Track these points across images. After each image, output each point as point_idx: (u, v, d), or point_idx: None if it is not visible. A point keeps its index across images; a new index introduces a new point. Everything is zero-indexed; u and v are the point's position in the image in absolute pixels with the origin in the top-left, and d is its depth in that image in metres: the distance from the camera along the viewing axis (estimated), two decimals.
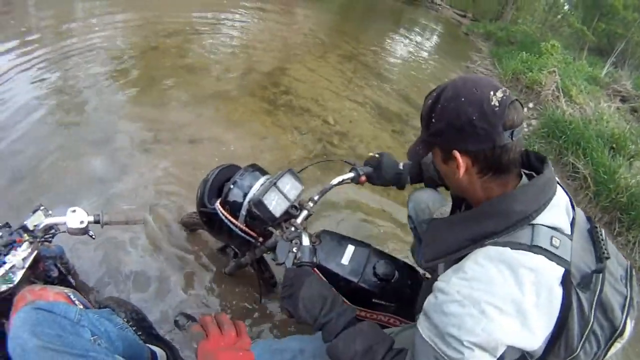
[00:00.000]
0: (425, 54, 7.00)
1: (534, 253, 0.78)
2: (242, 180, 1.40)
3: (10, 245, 1.21)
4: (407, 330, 1.28)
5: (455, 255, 0.86)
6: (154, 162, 2.56)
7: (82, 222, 1.11)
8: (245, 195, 1.38)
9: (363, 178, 1.52)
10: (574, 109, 4.89)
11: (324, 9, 8.10)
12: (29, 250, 1.20)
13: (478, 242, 0.83)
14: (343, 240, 1.49)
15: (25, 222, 1.24)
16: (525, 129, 4.97)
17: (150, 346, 1.25)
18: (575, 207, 0.93)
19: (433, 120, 0.88)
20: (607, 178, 3.74)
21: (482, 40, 8.88)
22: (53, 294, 1.17)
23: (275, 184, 1.34)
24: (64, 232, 1.18)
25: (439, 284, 0.84)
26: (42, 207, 1.28)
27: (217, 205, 1.40)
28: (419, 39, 7.96)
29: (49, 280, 1.40)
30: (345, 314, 1.00)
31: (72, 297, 1.21)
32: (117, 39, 4.04)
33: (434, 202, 1.56)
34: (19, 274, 1.17)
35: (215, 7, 5.70)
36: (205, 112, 3.21)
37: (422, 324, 0.85)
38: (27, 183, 2.22)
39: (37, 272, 1.32)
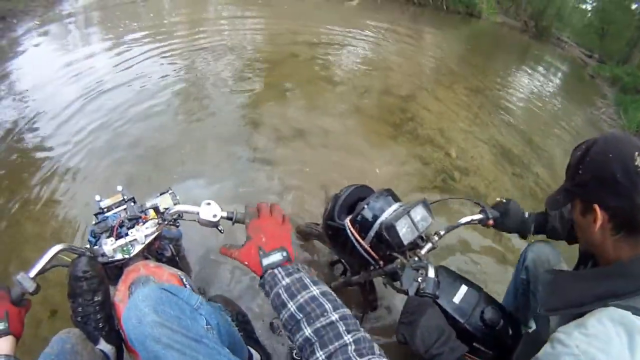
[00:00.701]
0: (549, 94, 6.64)
1: None
2: (376, 203, 1.47)
3: (135, 220, 1.27)
4: None
5: (577, 310, 0.87)
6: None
7: (214, 216, 1.09)
8: (375, 217, 1.45)
9: (491, 222, 1.54)
10: None
11: (453, 36, 8.09)
12: (154, 229, 1.25)
13: (602, 300, 0.84)
14: (458, 279, 1.50)
15: (156, 203, 1.29)
16: None
17: (250, 348, 1.31)
18: None
19: (580, 171, 0.93)
20: None
21: (607, 85, 8.12)
22: (167, 274, 1.20)
23: (409, 212, 1.40)
24: (194, 220, 1.17)
25: (559, 335, 0.84)
26: (170, 191, 1.35)
27: (347, 222, 1.49)
28: (543, 78, 7.57)
29: (160, 259, 1.50)
30: (458, 349, 1.03)
31: (184, 280, 1.23)
32: (253, 43, 4.48)
33: (554, 258, 1.52)
34: (137, 248, 1.23)
35: (354, 23, 5.99)
36: (348, 122, 3.37)
37: None
38: (150, 163, 2.53)
39: (151, 249, 1.38)
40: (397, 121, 3.82)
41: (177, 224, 1.31)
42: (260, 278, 0.91)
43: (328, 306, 0.81)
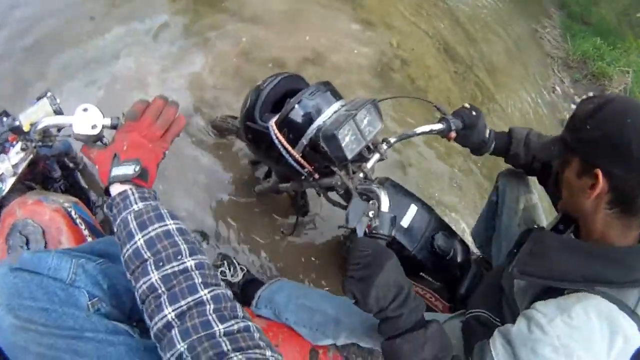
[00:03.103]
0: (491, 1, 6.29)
1: (633, 320, 0.75)
2: (310, 100, 1.10)
3: (2, 146, 1.00)
4: (452, 322, 1.14)
5: (557, 284, 0.81)
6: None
7: (94, 127, 0.84)
8: (310, 119, 1.09)
9: (453, 134, 1.24)
10: None
11: None
12: (23, 154, 1.00)
13: (590, 283, 0.78)
14: (407, 197, 1.30)
15: (16, 121, 0.97)
16: None
17: None
18: None
19: (588, 126, 0.82)
20: None
21: (554, 7, 8.08)
22: (49, 211, 0.98)
23: (354, 116, 1.05)
24: (68, 136, 0.94)
25: (538, 316, 0.78)
26: (49, 95, 1.01)
27: (272, 124, 1.12)
28: None
29: (50, 180, 1.23)
30: (417, 310, 0.84)
31: (72, 214, 1.02)
32: None
33: (526, 194, 1.33)
34: (9, 183, 0.99)
35: None
36: None
37: (498, 347, 0.81)
38: (44, 55, 1.87)
39: (35, 172, 1.16)
40: None
41: (49, 143, 1.06)
42: (106, 194, 0.76)
43: (184, 247, 0.66)
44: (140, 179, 0.75)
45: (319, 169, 1.15)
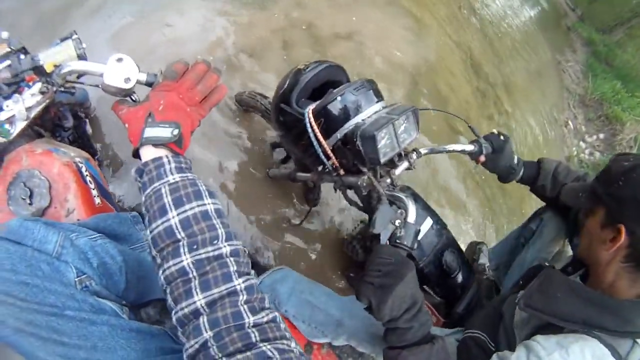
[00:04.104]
0: (523, 20, 6.16)
1: None
2: (354, 95, 1.07)
3: (17, 85, 0.88)
4: (449, 338, 1.15)
5: (559, 322, 0.85)
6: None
7: (127, 80, 0.75)
8: (347, 115, 1.06)
9: (482, 158, 1.26)
10: None
11: None
12: (40, 98, 0.88)
13: (588, 327, 0.82)
14: (425, 209, 1.29)
15: (37, 59, 0.87)
16: (587, 157, 4.63)
17: None
18: None
19: (620, 182, 0.85)
20: None
21: (581, 44, 8.04)
22: (59, 165, 0.87)
23: (394, 122, 1.03)
24: (96, 86, 0.83)
25: (537, 348, 0.81)
26: (75, 37, 0.91)
27: (309, 111, 1.08)
28: (519, 3, 6.99)
29: (58, 129, 1.12)
30: (426, 325, 0.86)
31: (83, 170, 0.91)
32: None
33: (564, 238, 1.32)
34: (19, 127, 0.87)
35: None
36: None
37: None
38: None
39: (46, 118, 1.03)
40: None
41: (72, 90, 0.97)
42: (134, 156, 0.69)
43: (221, 232, 0.61)
44: (176, 144, 0.67)
45: (346, 165, 1.13)
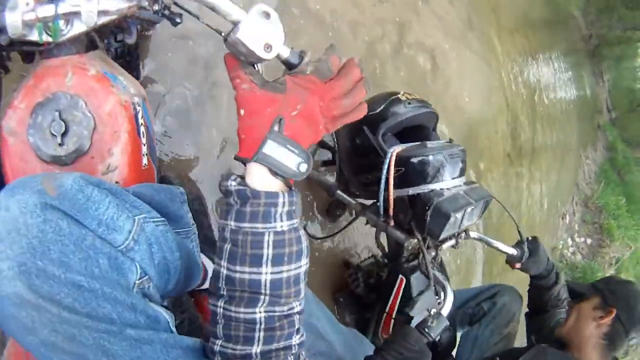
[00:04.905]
0: (563, 103, 6.17)
1: None
2: (442, 158, 1.00)
3: None
4: None
5: None
6: None
7: (268, 49, 0.54)
8: (427, 176, 1.00)
9: (518, 265, 1.26)
10: None
11: None
12: (124, 5, 0.61)
13: None
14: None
15: None
16: (569, 255, 4.78)
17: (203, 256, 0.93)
18: None
19: (618, 287, 1.19)
20: None
21: (603, 146, 8.17)
22: (114, 101, 0.65)
23: (472, 205, 0.98)
24: (219, 32, 0.57)
25: None
26: None
27: (394, 154, 1.01)
28: (566, 82, 6.97)
29: (112, 46, 0.88)
30: None
31: (139, 116, 0.71)
32: None
33: (516, 322, 1.44)
34: (76, 29, 0.62)
35: None
36: None
37: None
38: None
39: (103, 27, 0.69)
40: None
41: (177, 20, 0.69)
42: (237, 159, 0.53)
43: (302, 295, 0.56)
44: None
45: (400, 220, 1.07)
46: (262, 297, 0.51)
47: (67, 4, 0.59)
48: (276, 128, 0.52)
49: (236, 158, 0.54)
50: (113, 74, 0.70)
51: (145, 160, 0.75)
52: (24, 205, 0.42)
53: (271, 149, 0.51)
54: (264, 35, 0.54)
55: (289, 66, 0.58)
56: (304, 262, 0.55)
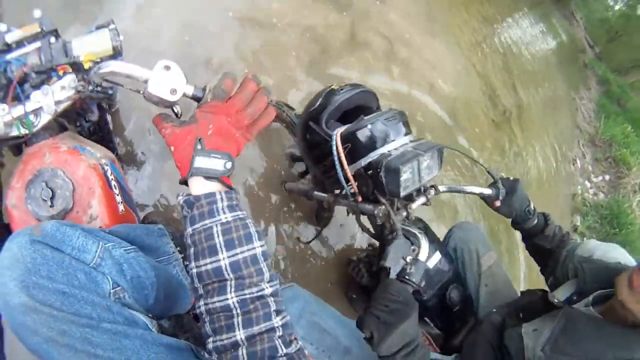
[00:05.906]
0: (543, 52, 6.18)
1: None
2: (384, 126, 1.08)
3: (49, 75, 0.80)
4: None
5: None
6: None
7: (173, 92, 0.69)
8: (374, 143, 1.08)
9: (497, 202, 1.25)
10: None
11: None
12: (71, 93, 0.80)
13: None
14: (433, 243, 1.27)
15: (70, 45, 0.79)
16: (591, 197, 4.65)
17: None
18: None
19: None
20: None
21: (595, 82, 8.06)
22: (85, 167, 0.81)
23: (419, 158, 1.04)
24: (137, 91, 0.74)
25: None
26: (112, 27, 0.83)
27: (337, 135, 1.09)
28: (542, 35, 6.85)
29: (81, 124, 1.05)
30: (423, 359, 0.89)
31: (108, 173, 0.87)
32: None
33: (487, 253, 1.34)
34: (44, 119, 0.81)
35: None
36: None
37: None
38: None
39: (69, 110, 0.91)
40: None
41: (109, 92, 0.89)
42: (182, 182, 0.68)
43: (267, 275, 0.64)
44: (227, 176, 0.66)
45: (365, 193, 1.13)
46: (228, 282, 0.61)
47: (32, 102, 0.78)
48: (199, 147, 0.65)
49: (180, 182, 0.68)
50: (81, 146, 0.87)
51: (121, 207, 0.90)
52: (20, 244, 0.58)
53: (200, 162, 0.64)
54: (167, 83, 0.69)
55: (197, 100, 0.72)
56: (257, 244, 0.64)
